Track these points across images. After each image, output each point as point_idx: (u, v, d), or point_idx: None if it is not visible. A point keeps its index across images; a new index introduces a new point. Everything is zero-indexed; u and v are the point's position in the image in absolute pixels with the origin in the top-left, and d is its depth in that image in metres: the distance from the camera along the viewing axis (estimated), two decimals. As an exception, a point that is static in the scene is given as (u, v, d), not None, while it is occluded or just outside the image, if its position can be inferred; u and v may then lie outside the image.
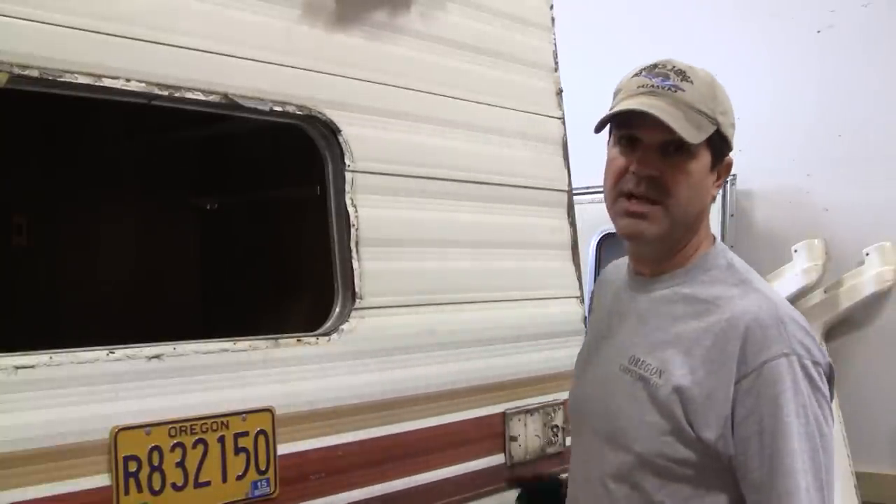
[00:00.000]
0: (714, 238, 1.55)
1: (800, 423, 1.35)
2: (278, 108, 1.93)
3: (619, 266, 1.68)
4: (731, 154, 1.51)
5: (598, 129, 1.51)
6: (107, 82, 1.64)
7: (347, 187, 2.05)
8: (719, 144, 1.48)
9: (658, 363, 1.44)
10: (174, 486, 1.65)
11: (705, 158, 1.46)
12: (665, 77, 1.44)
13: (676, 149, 1.43)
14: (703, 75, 1.48)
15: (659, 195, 1.44)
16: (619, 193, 1.46)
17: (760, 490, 1.36)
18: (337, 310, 2.03)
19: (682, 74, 1.45)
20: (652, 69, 1.46)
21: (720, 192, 1.54)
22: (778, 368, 1.36)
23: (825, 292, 4.67)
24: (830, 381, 1.43)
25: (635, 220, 1.45)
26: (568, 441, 2.50)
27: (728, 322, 1.40)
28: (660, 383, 1.42)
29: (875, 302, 4.67)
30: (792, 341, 1.37)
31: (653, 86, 1.44)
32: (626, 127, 1.46)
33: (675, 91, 1.43)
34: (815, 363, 1.39)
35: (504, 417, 2.35)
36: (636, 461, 1.44)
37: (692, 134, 1.42)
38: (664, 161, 1.43)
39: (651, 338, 1.49)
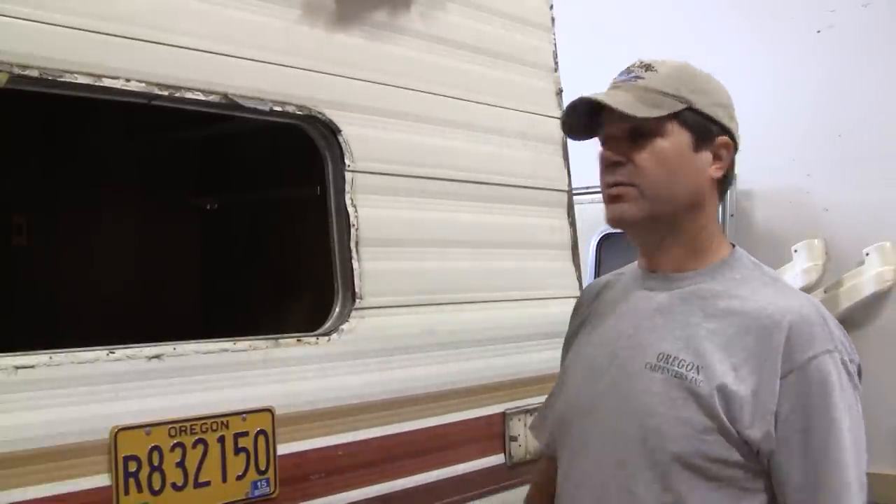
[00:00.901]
0: (733, 244, 1.56)
1: (849, 418, 1.37)
2: (278, 108, 1.93)
3: (602, 282, 1.70)
4: (729, 138, 1.50)
5: (564, 131, 1.60)
6: (107, 82, 1.64)
7: (347, 187, 2.05)
8: (699, 123, 1.47)
9: (694, 359, 1.41)
10: (174, 486, 1.65)
11: (679, 137, 1.46)
12: (630, 72, 1.50)
13: (641, 133, 1.45)
14: (672, 63, 1.50)
15: (630, 177, 1.46)
16: (603, 186, 1.50)
17: (806, 489, 1.35)
18: (337, 310, 2.03)
19: (647, 66, 1.49)
20: (623, 71, 1.52)
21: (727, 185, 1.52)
22: (825, 365, 1.36)
23: (825, 292, 4.67)
24: (860, 379, 1.46)
25: (615, 205, 1.47)
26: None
27: (770, 318, 1.39)
28: (699, 379, 1.39)
29: (875, 302, 4.67)
30: (834, 338, 1.39)
31: (617, 82, 1.50)
32: (602, 126, 1.51)
33: (636, 80, 1.47)
34: (852, 361, 1.41)
35: (504, 417, 2.35)
36: (675, 462, 1.39)
37: (644, 111, 1.44)
38: (633, 146, 1.46)
39: (681, 333, 1.45)
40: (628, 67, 1.51)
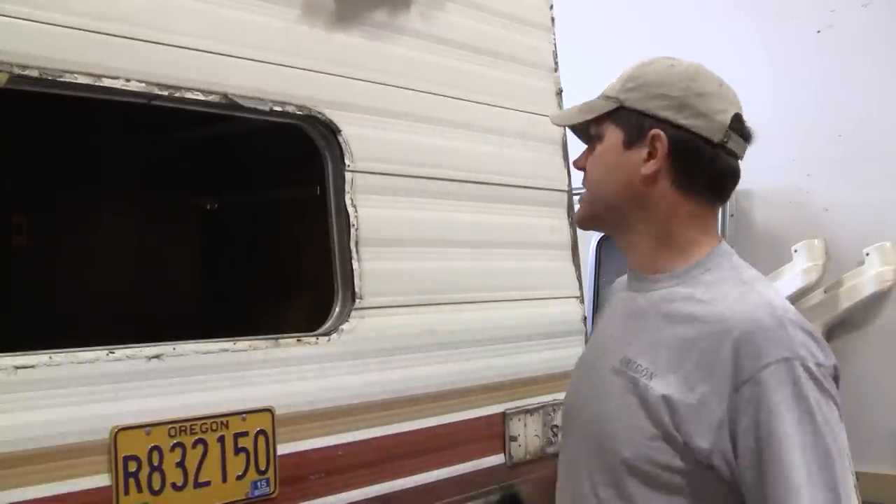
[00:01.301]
0: (720, 239, 1.51)
1: (804, 431, 1.26)
2: (278, 108, 1.93)
3: (623, 279, 1.65)
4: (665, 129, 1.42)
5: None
6: (107, 82, 1.64)
7: (347, 187, 2.05)
8: (631, 120, 1.45)
9: (650, 365, 1.40)
10: (174, 486, 1.65)
11: (613, 137, 1.47)
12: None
13: (590, 139, 1.51)
14: (638, 63, 1.50)
15: (584, 182, 1.53)
16: None
17: None
18: (337, 310, 2.03)
19: (628, 70, 1.50)
20: None
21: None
22: (778, 374, 1.27)
23: (825, 292, 4.67)
24: (838, 384, 1.34)
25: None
26: (568, 441, 2.50)
27: (723, 325, 1.33)
28: (651, 385, 1.37)
29: (875, 302, 4.67)
30: (793, 344, 1.29)
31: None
32: None
33: (605, 88, 1.51)
34: (820, 365, 1.30)
35: (504, 417, 2.35)
36: (625, 467, 1.39)
37: (575, 118, 1.51)
38: (588, 152, 1.52)
39: (644, 338, 1.44)
40: None
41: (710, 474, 1.32)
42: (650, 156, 1.43)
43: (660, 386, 1.36)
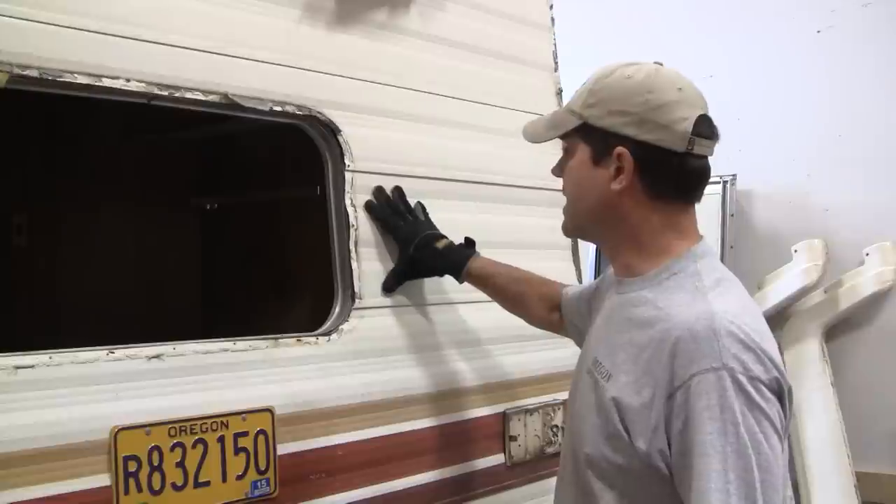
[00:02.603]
0: (697, 238, 1.51)
1: (725, 441, 1.27)
2: (278, 108, 1.93)
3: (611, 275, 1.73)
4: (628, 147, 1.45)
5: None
6: (107, 82, 1.64)
7: (347, 187, 2.05)
8: (596, 136, 1.49)
9: (610, 367, 1.45)
10: (174, 485, 1.65)
11: (581, 153, 1.52)
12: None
13: (564, 154, 1.58)
14: (596, 72, 1.52)
15: (562, 193, 1.61)
16: None
17: None
18: (337, 310, 2.03)
19: (587, 80, 1.53)
20: None
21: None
22: (705, 383, 1.30)
23: (825, 292, 4.68)
24: (781, 398, 1.35)
25: None
26: (568, 441, 2.50)
27: (666, 332, 1.37)
28: (607, 387, 1.43)
29: (875, 302, 4.68)
30: (724, 355, 1.31)
31: None
32: None
33: (570, 98, 1.56)
34: (753, 378, 1.31)
35: (504, 417, 2.35)
36: (586, 463, 1.45)
37: (542, 134, 1.59)
38: (563, 163, 1.60)
39: (610, 340, 1.49)
40: None
41: (655, 474, 1.35)
42: (618, 171, 1.47)
43: (613, 388, 1.42)
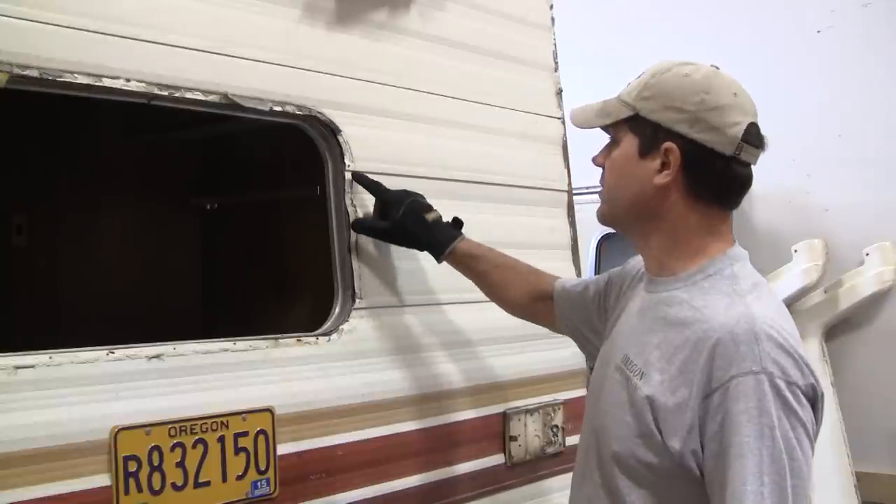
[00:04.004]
0: (732, 242, 1.55)
1: (762, 444, 1.29)
2: (278, 108, 1.93)
3: (637, 268, 1.70)
4: (678, 143, 1.46)
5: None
6: (107, 82, 1.64)
7: (347, 187, 2.05)
8: (646, 129, 1.49)
9: (643, 365, 1.45)
10: (174, 486, 1.65)
11: (628, 143, 1.51)
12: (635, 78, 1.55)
13: (611, 140, 1.56)
14: (655, 66, 1.52)
15: (601, 181, 1.60)
16: None
17: None
18: (337, 310, 2.03)
19: (642, 73, 1.53)
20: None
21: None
22: (744, 386, 1.32)
23: (825, 292, 4.68)
24: (815, 404, 1.37)
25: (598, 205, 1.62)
26: (568, 441, 2.51)
27: (705, 333, 1.38)
28: (639, 385, 1.43)
29: (875, 302, 4.68)
30: (764, 359, 1.33)
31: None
32: None
33: (623, 89, 1.54)
34: (791, 383, 1.33)
35: (504, 417, 2.35)
36: (613, 461, 1.46)
37: (592, 120, 1.56)
38: (607, 152, 1.58)
39: (643, 338, 1.50)
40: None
41: (686, 474, 1.36)
42: (663, 166, 1.48)
43: (646, 386, 1.42)
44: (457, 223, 2.09)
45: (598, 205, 1.61)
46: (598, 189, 1.61)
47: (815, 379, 1.37)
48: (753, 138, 1.47)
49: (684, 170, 1.47)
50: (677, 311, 1.46)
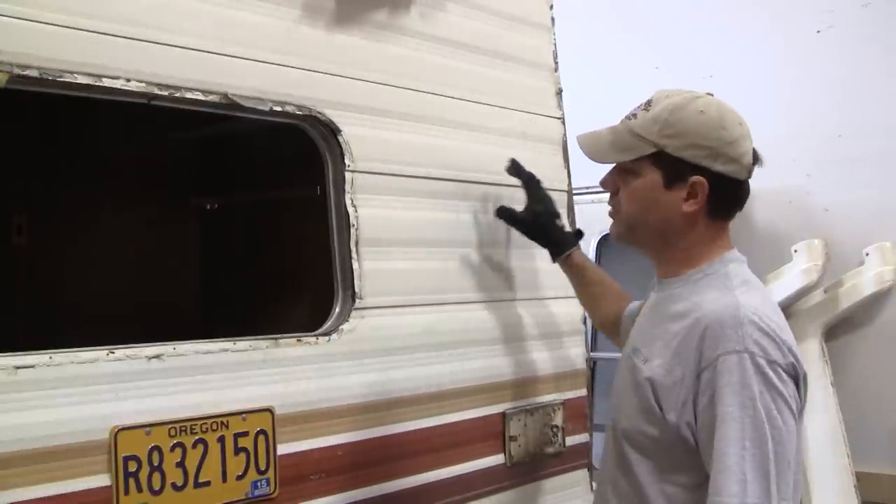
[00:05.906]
0: (730, 247, 1.72)
1: (744, 413, 1.46)
2: (278, 108, 1.93)
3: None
4: (705, 176, 1.62)
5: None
6: (107, 82, 1.64)
7: (347, 187, 2.05)
8: (671, 164, 1.63)
9: (647, 352, 1.64)
10: (174, 486, 1.65)
11: (652, 176, 1.65)
12: (636, 108, 1.69)
13: (623, 169, 1.69)
14: (667, 103, 1.65)
15: (615, 206, 1.74)
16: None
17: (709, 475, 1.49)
18: (337, 310, 2.03)
19: (647, 103, 1.67)
20: (637, 105, 1.70)
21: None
22: (729, 363, 1.49)
23: (825, 292, 4.67)
24: (797, 381, 1.54)
25: (611, 222, 1.77)
26: (568, 441, 2.51)
27: (697, 320, 1.56)
28: (643, 369, 1.62)
29: (875, 302, 4.67)
30: (746, 340, 1.50)
31: (624, 116, 1.70)
32: None
33: (631, 119, 1.68)
34: (771, 362, 1.49)
35: (504, 417, 2.35)
36: (623, 436, 1.65)
37: (612, 156, 1.69)
38: (620, 179, 1.71)
39: (650, 331, 1.69)
40: (640, 103, 1.69)
41: (683, 444, 1.55)
42: (689, 196, 1.64)
43: (648, 369, 1.61)
44: (578, 234, 2.36)
45: (612, 223, 1.76)
46: (612, 209, 1.75)
47: (797, 359, 1.54)
48: (755, 158, 1.68)
49: (710, 198, 1.64)
50: (677, 306, 1.64)
